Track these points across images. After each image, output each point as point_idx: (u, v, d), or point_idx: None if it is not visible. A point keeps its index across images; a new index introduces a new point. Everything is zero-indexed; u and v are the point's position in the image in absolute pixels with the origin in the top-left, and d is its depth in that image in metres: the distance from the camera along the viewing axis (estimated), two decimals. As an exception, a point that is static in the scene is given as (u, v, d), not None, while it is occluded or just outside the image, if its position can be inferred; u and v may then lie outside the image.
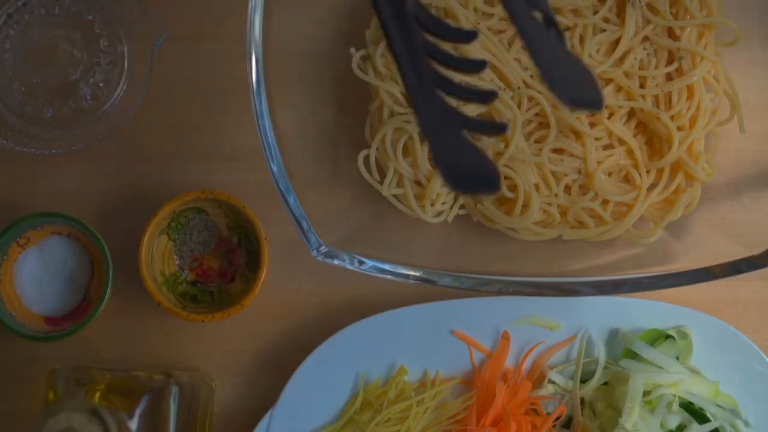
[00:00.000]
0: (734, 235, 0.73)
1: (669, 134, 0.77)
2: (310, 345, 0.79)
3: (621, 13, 0.78)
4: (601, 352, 0.80)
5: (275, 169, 0.67)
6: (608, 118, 0.78)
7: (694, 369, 0.79)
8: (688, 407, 0.78)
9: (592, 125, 0.78)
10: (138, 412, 0.72)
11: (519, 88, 0.76)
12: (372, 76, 0.78)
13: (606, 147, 0.78)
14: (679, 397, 0.78)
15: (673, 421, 0.78)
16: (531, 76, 0.78)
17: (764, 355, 0.79)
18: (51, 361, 0.80)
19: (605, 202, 0.78)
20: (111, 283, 0.78)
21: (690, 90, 0.78)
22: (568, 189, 0.78)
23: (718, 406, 0.78)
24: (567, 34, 0.77)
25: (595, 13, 0.77)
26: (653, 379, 0.77)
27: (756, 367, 0.79)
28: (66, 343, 0.80)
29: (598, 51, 0.77)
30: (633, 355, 0.79)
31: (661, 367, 0.78)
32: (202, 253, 0.83)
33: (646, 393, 0.77)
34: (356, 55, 0.78)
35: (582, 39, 0.77)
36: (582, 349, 0.80)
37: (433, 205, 0.78)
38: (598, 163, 0.77)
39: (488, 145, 0.76)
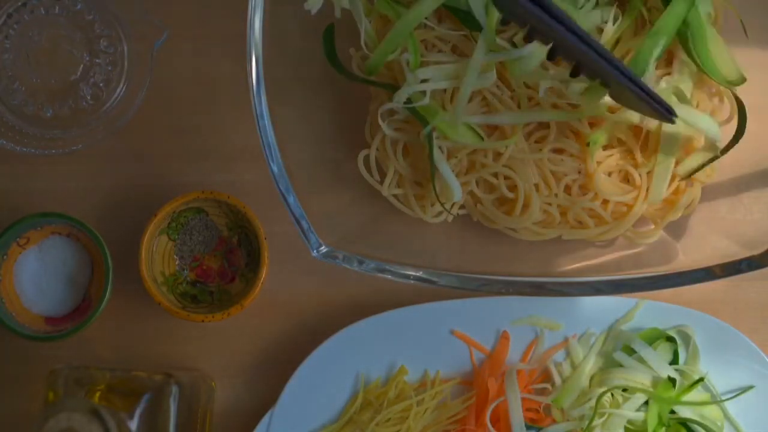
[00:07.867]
0: (734, 235, 0.73)
1: (669, 134, 0.77)
2: (310, 345, 0.79)
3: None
4: (596, 347, 0.80)
5: (275, 169, 0.67)
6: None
7: (689, 373, 0.79)
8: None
9: (591, 125, 0.78)
10: (138, 412, 0.72)
11: (519, 88, 0.76)
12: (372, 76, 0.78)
13: (606, 147, 0.78)
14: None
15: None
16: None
17: (764, 355, 0.79)
18: (51, 361, 0.80)
19: (605, 202, 0.78)
20: (111, 283, 0.78)
21: (690, 90, 0.78)
22: (568, 189, 0.78)
23: (703, 416, 0.78)
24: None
25: (595, 13, 0.77)
26: (630, 377, 0.78)
27: (756, 367, 0.79)
28: (66, 343, 0.80)
29: (598, 51, 0.77)
30: (631, 352, 0.79)
31: (652, 368, 0.78)
32: (202, 253, 0.83)
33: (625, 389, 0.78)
34: (356, 55, 0.78)
35: (582, 39, 0.77)
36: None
37: (433, 205, 0.78)
38: (598, 163, 0.77)
39: (488, 146, 0.76)
